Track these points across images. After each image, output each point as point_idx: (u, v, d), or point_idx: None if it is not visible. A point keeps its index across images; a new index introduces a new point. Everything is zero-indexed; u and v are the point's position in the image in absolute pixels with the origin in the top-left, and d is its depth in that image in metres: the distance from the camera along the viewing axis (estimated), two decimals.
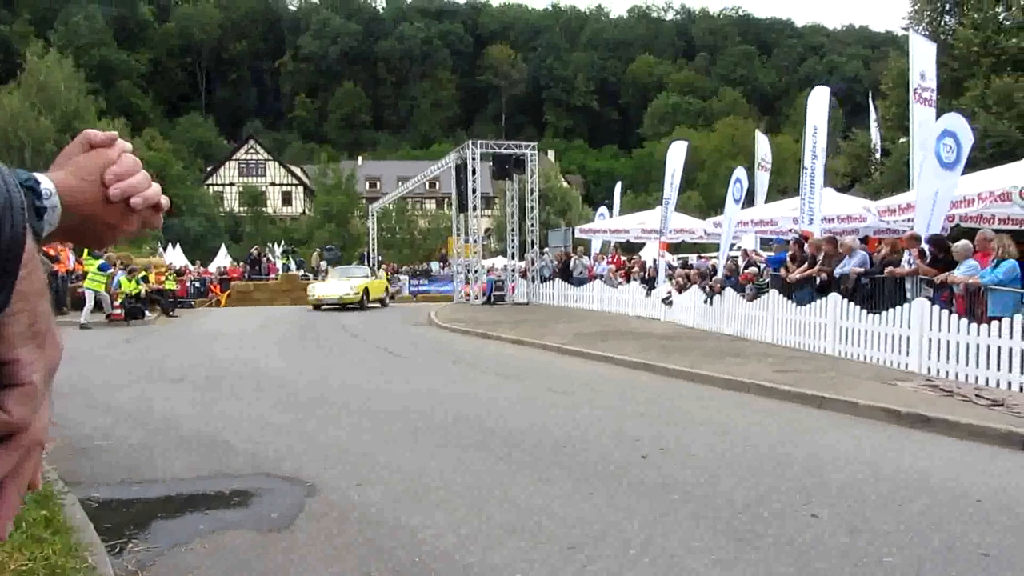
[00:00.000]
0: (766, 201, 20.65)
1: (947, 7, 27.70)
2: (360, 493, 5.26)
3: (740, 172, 16.31)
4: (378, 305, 25.46)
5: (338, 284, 23.89)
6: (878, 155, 27.74)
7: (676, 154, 20.05)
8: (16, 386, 0.72)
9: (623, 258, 26.41)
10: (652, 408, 8.31)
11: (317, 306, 23.35)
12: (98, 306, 19.01)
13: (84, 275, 19.65)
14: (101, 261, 19.25)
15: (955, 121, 11.02)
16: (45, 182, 0.83)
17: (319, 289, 24.23)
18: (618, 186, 29.30)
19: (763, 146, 21.74)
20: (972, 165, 12.00)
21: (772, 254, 15.29)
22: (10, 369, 0.72)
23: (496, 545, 4.30)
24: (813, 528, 4.50)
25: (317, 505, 5.02)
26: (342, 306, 23.10)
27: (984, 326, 8.81)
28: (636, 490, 5.29)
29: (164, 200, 0.96)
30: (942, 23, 27.58)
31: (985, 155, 17.92)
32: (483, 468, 5.87)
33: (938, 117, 12.34)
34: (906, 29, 26.32)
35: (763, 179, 21.01)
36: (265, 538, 4.46)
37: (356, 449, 6.48)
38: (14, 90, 41.17)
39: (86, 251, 19.82)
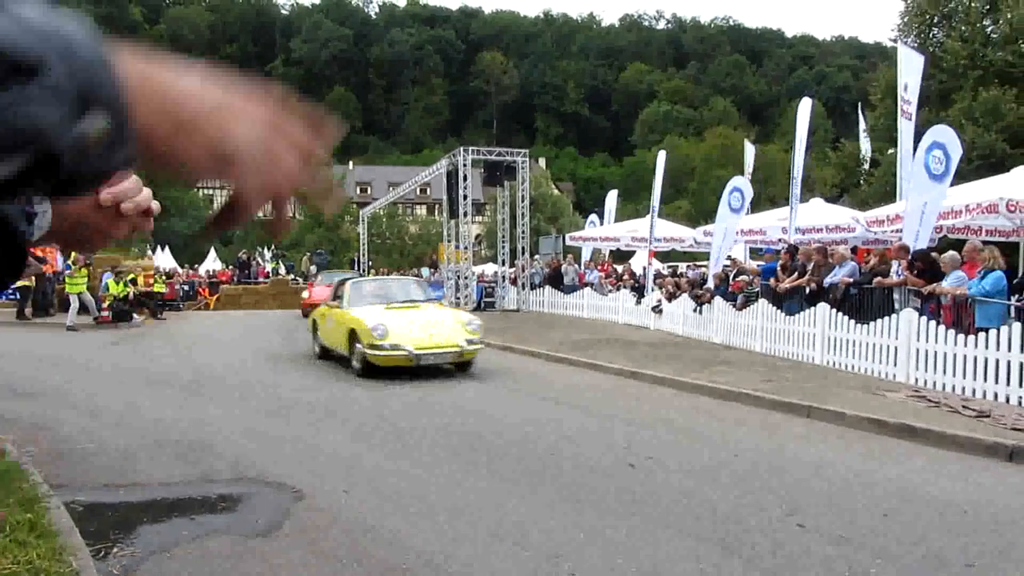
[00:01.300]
0: (758, 211, 20.70)
1: (936, 20, 27.99)
2: (347, 500, 5.24)
3: (738, 181, 16.01)
4: None
5: (431, 316, 11.30)
6: (867, 165, 27.97)
7: (660, 163, 20.23)
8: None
9: (611, 265, 26.38)
10: (640, 416, 8.31)
11: (370, 369, 10.53)
12: (85, 309, 18.87)
13: None
14: (67, 263, 19.03)
15: (944, 133, 11.08)
16: None
17: (397, 328, 10.55)
18: (613, 193, 28.81)
19: (749, 156, 21.82)
20: (959, 177, 12.08)
21: (763, 263, 15.27)
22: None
23: (482, 552, 4.29)
24: (799, 538, 4.51)
25: (303, 511, 5.00)
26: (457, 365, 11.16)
27: (971, 337, 8.85)
28: (623, 498, 5.29)
29: (155, 205, 0.94)
30: (931, 35, 27.88)
31: (972, 167, 18.12)
32: (470, 474, 5.85)
33: (923, 129, 12.40)
34: (895, 41, 26.58)
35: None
36: (250, 544, 4.43)
37: (344, 455, 6.45)
38: None
39: (73, 253, 19.67)
